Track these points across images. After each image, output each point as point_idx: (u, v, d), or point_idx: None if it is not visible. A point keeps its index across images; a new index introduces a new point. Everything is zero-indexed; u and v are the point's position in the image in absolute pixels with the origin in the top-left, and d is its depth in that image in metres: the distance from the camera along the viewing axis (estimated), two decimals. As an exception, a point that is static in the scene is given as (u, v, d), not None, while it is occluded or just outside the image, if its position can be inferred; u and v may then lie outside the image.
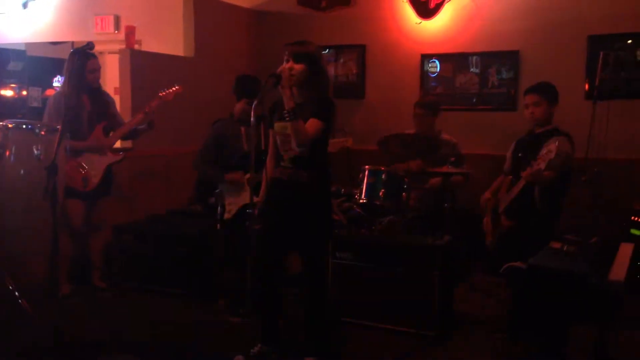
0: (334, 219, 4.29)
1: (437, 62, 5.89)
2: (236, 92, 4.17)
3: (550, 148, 3.39)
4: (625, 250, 2.99)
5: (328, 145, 3.36)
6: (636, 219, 4.24)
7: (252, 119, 2.97)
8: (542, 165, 3.43)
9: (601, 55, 4.86)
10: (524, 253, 2.92)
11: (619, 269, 2.68)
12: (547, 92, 3.89)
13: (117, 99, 4.98)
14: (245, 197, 3.97)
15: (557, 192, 3.75)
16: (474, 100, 5.78)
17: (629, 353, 3.45)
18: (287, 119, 3.03)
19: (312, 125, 3.11)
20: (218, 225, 4.20)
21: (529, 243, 3.51)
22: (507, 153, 4.19)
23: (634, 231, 4.19)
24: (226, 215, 4.11)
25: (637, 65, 5.13)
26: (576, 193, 4.11)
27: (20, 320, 3.70)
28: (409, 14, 5.93)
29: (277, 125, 3.25)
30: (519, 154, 3.98)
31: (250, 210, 3.10)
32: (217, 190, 4.17)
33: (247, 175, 3.95)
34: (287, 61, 3.13)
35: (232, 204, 4.12)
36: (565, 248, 2.97)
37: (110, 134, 4.44)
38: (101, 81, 4.53)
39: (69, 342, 3.38)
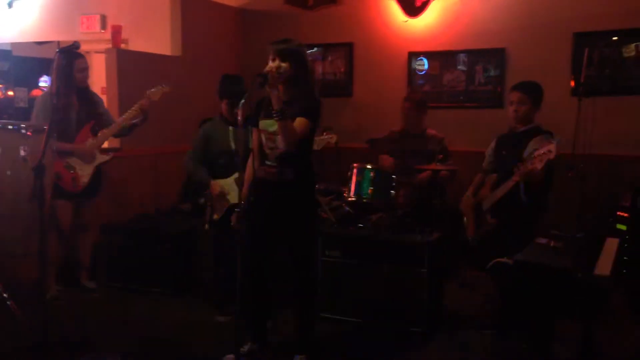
0: (321, 217, 4.31)
1: (424, 59, 5.91)
2: (219, 92, 4.15)
3: (550, 148, 3.35)
4: (611, 245, 3.01)
5: (313, 143, 3.37)
6: (622, 214, 4.28)
7: (239, 118, 2.96)
8: (539, 165, 3.39)
9: (586, 53, 4.89)
10: (511, 249, 2.94)
11: (605, 264, 2.71)
12: (533, 93, 3.88)
13: (104, 98, 4.95)
14: (233, 197, 3.97)
15: (542, 188, 3.76)
16: (461, 97, 5.81)
17: (615, 347, 3.49)
18: (276, 118, 3.03)
19: (300, 124, 3.12)
20: (206, 226, 4.20)
21: (515, 239, 3.54)
22: (487, 150, 4.18)
23: (619, 226, 4.23)
24: (215, 216, 4.10)
25: (622, 62, 5.17)
26: (562, 189, 4.13)
27: (8, 321, 3.69)
28: (396, 12, 5.96)
29: (263, 122, 3.23)
30: (503, 152, 3.98)
31: (237, 210, 3.10)
32: (206, 192, 4.16)
33: (236, 175, 3.95)
34: (273, 60, 3.13)
35: (221, 205, 4.12)
36: (551, 243, 3.00)
37: (99, 134, 4.40)
38: (88, 81, 4.50)
39: (56, 342, 3.37)
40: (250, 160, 3.36)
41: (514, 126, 3.93)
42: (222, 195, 4.01)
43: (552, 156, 3.35)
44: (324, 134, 4.56)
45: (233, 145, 4.05)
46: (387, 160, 4.88)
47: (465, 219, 4.07)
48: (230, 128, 4.07)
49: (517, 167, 3.55)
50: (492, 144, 4.12)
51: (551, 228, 3.35)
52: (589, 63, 4.96)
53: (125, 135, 4.76)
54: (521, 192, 3.66)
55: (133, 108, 4.37)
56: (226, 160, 4.06)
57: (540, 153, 3.38)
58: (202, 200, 4.25)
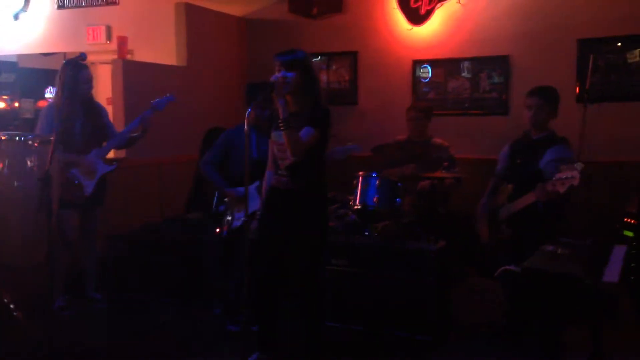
0: (330, 227, 4.29)
1: (428, 67, 5.92)
2: (246, 99, 4.14)
3: (574, 174, 3.32)
4: (619, 252, 3.00)
5: (324, 153, 3.36)
6: (628, 220, 4.26)
7: (245, 127, 2.97)
8: (561, 189, 3.35)
9: (591, 59, 4.89)
10: (523, 258, 2.92)
11: (613, 271, 2.70)
12: (551, 100, 3.83)
13: (109, 109, 4.98)
14: (253, 206, 3.95)
15: (560, 203, 3.72)
16: (466, 105, 5.81)
17: (624, 354, 3.46)
18: (282, 128, 3.04)
19: (308, 134, 3.13)
20: (218, 230, 4.19)
21: (531, 250, 3.50)
22: (500, 155, 4.13)
23: (626, 233, 4.20)
24: (236, 223, 4.10)
25: (626, 68, 5.17)
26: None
27: (15, 332, 3.70)
28: (400, 20, 5.97)
29: (274, 134, 3.27)
30: (517, 160, 3.93)
31: (247, 220, 3.10)
32: (226, 199, 4.18)
33: (257, 183, 3.92)
34: (279, 71, 3.15)
35: (238, 212, 4.11)
36: (558, 250, 2.99)
37: (104, 145, 4.43)
38: (93, 92, 4.52)
39: (63, 353, 3.37)
40: (267, 170, 3.41)
41: (528, 132, 3.88)
42: (240, 203, 4.00)
43: (575, 182, 3.30)
44: (348, 143, 4.51)
45: (255, 153, 4.05)
46: (407, 169, 4.84)
47: (478, 225, 4.03)
48: (255, 136, 4.07)
49: (539, 187, 3.49)
50: (506, 149, 4.04)
51: (558, 235, 3.33)
52: (594, 69, 4.96)
53: (126, 148, 4.78)
54: (539, 206, 3.60)
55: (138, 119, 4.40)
56: (249, 168, 4.05)
57: (563, 177, 3.32)
58: (222, 208, 4.23)
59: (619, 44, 5.19)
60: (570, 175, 3.30)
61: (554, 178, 3.35)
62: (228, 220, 4.15)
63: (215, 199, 4.37)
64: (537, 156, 3.71)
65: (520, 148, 3.93)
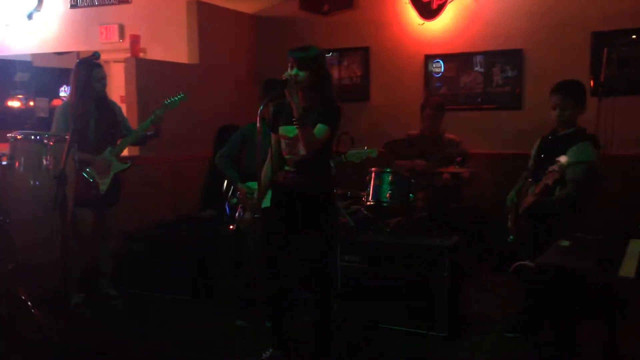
0: (340, 222, 4.30)
1: (441, 62, 5.90)
2: (264, 96, 4.16)
3: (555, 168, 3.34)
4: (635, 247, 2.97)
5: (331, 149, 3.36)
6: (644, 214, 4.22)
7: (257, 124, 2.98)
8: (550, 182, 3.36)
9: (605, 52, 4.84)
10: (538, 254, 2.90)
11: (629, 266, 2.67)
12: (575, 95, 3.78)
13: (123, 107, 5.01)
14: (266, 202, 3.97)
15: (574, 198, 3.69)
16: (479, 99, 5.78)
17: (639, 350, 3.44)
18: (297, 126, 3.04)
19: (320, 131, 3.12)
20: (231, 227, 4.22)
21: (545, 244, 3.48)
22: (532, 150, 4.09)
23: (642, 227, 4.17)
24: (244, 217, 4.12)
25: (641, 61, 5.12)
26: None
27: (32, 329, 3.74)
28: (412, 15, 5.95)
29: (283, 128, 3.26)
30: (542, 155, 3.89)
31: (257, 216, 3.11)
32: (238, 193, 4.21)
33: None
34: (292, 68, 3.15)
35: (250, 207, 4.14)
36: (574, 246, 2.97)
37: (118, 142, 4.46)
38: (107, 90, 4.56)
39: (79, 349, 3.41)
40: (265, 166, 3.39)
41: (556, 128, 3.85)
42: (252, 198, 4.02)
43: (557, 175, 3.32)
44: (364, 147, 4.50)
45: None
46: (420, 164, 4.83)
47: (508, 217, 4.01)
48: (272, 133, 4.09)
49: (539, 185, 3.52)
50: (536, 144, 4.00)
51: (574, 230, 3.31)
52: (608, 62, 4.92)
53: (140, 145, 4.82)
54: (547, 202, 3.59)
55: (150, 118, 4.43)
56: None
57: (550, 170, 3.36)
58: (234, 201, 4.27)
59: (634, 36, 5.13)
60: (552, 169, 3.32)
61: (547, 171, 3.38)
62: (241, 214, 4.17)
63: (229, 193, 4.41)
64: (560, 153, 3.68)
65: (546, 144, 3.89)
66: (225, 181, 4.57)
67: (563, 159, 3.38)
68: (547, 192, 3.51)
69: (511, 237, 3.90)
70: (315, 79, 3.15)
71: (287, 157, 3.28)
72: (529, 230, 3.74)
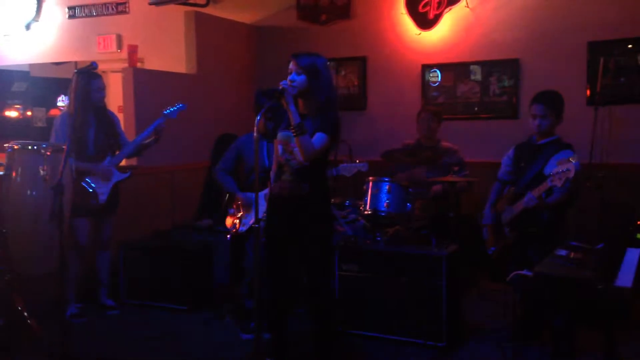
0: (336, 231, 4.30)
1: (438, 71, 5.92)
2: (254, 107, 4.17)
3: (569, 167, 3.32)
4: (632, 256, 2.98)
5: (328, 158, 3.36)
6: (642, 223, 4.23)
7: (255, 135, 2.98)
8: (559, 183, 3.36)
9: (601, 61, 4.87)
10: (531, 262, 2.92)
11: (626, 275, 2.67)
12: (556, 106, 3.82)
13: (120, 117, 5.02)
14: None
15: (562, 204, 3.71)
16: (476, 109, 5.80)
17: (638, 359, 3.43)
18: (294, 134, 3.03)
19: (319, 139, 3.11)
20: (229, 236, 4.22)
21: (536, 253, 3.50)
22: (503, 159, 4.12)
23: (639, 236, 4.17)
24: (242, 228, 4.13)
25: (637, 70, 5.13)
26: (581, 199, 4.09)
27: (29, 340, 3.72)
28: (409, 25, 5.97)
29: (281, 135, 3.25)
30: (522, 164, 3.93)
31: (256, 226, 3.10)
32: (239, 202, 4.23)
33: (266, 191, 3.94)
34: (291, 72, 3.15)
35: (247, 218, 4.15)
36: (571, 255, 2.97)
37: (116, 153, 4.46)
38: (105, 100, 4.56)
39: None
40: (272, 173, 3.40)
41: (531, 137, 3.89)
42: (249, 209, 4.04)
43: (570, 175, 3.31)
44: (357, 161, 4.53)
45: (267, 161, 4.07)
46: (418, 172, 4.85)
47: (485, 230, 4.04)
48: (265, 143, 4.11)
49: (537, 189, 3.53)
50: (510, 153, 4.05)
51: (570, 239, 3.31)
52: (604, 72, 4.94)
53: (137, 156, 4.81)
54: (537, 209, 3.61)
55: (149, 128, 4.44)
56: (260, 175, 4.08)
57: (559, 172, 3.34)
58: (231, 211, 4.29)
59: (630, 45, 5.15)
60: (565, 169, 3.32)
61: (551, 173, 3.37)
62: (236, 224, 4.19)
63: (225, 200, 4.43)
64: (542, 161, 3.71)
65: (524, 152, 3.92)
66: (224, 190, 4.58)
67: (575, 158, 3.38)
68: (543, 203, 3.52)
69: (492, 249, 3.92)
70: (312, 86, 3.13)
71: (283, 162, 3.24)
72: (516, 239, 3.76)
